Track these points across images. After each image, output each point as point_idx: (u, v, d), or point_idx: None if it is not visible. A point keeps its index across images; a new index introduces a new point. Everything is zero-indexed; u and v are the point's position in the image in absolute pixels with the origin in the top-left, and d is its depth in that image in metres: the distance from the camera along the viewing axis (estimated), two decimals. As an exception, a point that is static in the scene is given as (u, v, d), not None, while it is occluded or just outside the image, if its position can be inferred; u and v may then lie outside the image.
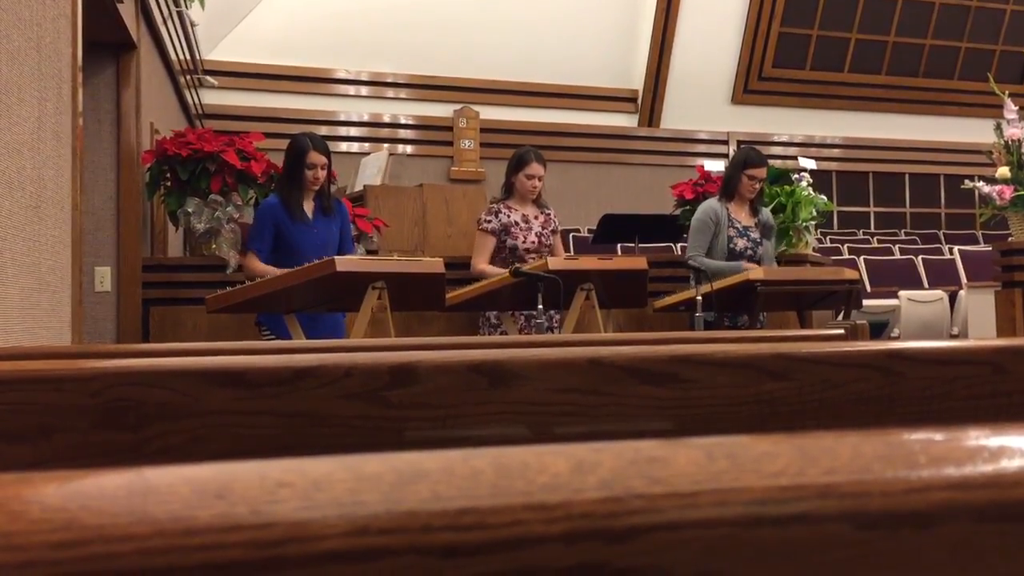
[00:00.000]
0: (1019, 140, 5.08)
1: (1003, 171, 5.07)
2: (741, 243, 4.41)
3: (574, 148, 10.38)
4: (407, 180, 8.32)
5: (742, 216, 4.47)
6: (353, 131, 9.85)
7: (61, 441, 0.98)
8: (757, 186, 4.45)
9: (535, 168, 4.31)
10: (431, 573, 0.32)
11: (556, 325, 4.21)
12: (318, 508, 0.32)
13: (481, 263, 4.28)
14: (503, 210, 4.31)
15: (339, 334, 3.88)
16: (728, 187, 4.48)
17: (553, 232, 4.41)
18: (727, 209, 4.44)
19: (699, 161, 8.70)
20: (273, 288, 3.43)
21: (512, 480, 0.34)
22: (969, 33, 11.51)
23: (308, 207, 3.92)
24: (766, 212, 4.63)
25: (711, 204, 4.48)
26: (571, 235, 9.21)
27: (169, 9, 5.59)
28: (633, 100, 10.76)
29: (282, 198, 3.88)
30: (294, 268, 3.48)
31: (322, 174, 3.88)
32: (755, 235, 4.46)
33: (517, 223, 4.30)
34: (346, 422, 1.04)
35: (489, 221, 4.30)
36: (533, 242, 4.30)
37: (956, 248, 9.20)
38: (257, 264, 3.84)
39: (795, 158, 7.67)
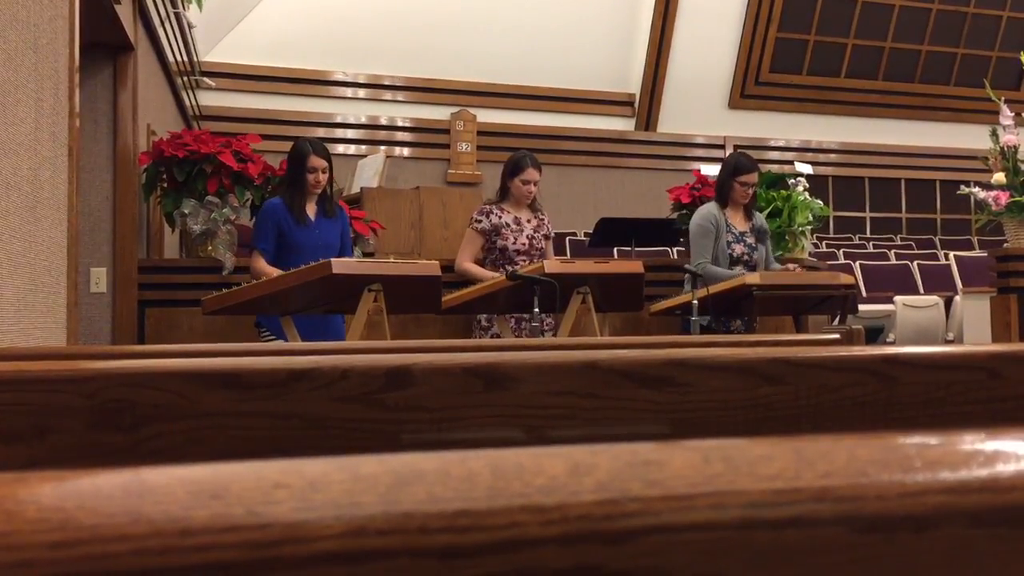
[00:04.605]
0: (1015, 146, 5.09)
1: (999, 177, 5.08)
2: (739, 248, 4.41)
3: (571, 152, 10.39)
4: (404, 183, 8.32)
5: (737, 221, 4.46)
6: (350, 133, 9.85)
7: (56, 442, 0.98)
8: (750, 192, 4.44)
9: (531, 174, 4.31)
10: (428, 575, 0.32)
11: (549, 328, 4.20)
12: (315, 509, 0.32)
13: (465, 261, 4.28)
14: (495, 211, 4.31)
15: (338, 336, 3.89)
16: (721, 194, 4.47)
17: (546, 237, 4.40)
18: (724, 214, 4.43)
19: (696, 165, 8.71)
20: (269, 290, 3.42)
21: (509, 482, 0.34)
22: (965, 39, 11.54)
23: (311, 210, 3.98)
24: (760, 217, 4.62)
25: (710, 209, 4.46)
26: (568, 238, 9.22)
27: (167, 10, 5.59)
28: (630, 104, 10.77)
29: (285, 201, 3.91)
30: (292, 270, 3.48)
31: (323, 177, 3.94)
32: (751, 240, 4.46)
33: (508, 224, 4.29)
34: (342, 424, 1.04)
35: (480, 221, 4.30)
36: (524, 244, 4.29)
37: (952, 254, 9.22)
38: (264, 265, 3.86)
39: (791, 163, 7.69)
